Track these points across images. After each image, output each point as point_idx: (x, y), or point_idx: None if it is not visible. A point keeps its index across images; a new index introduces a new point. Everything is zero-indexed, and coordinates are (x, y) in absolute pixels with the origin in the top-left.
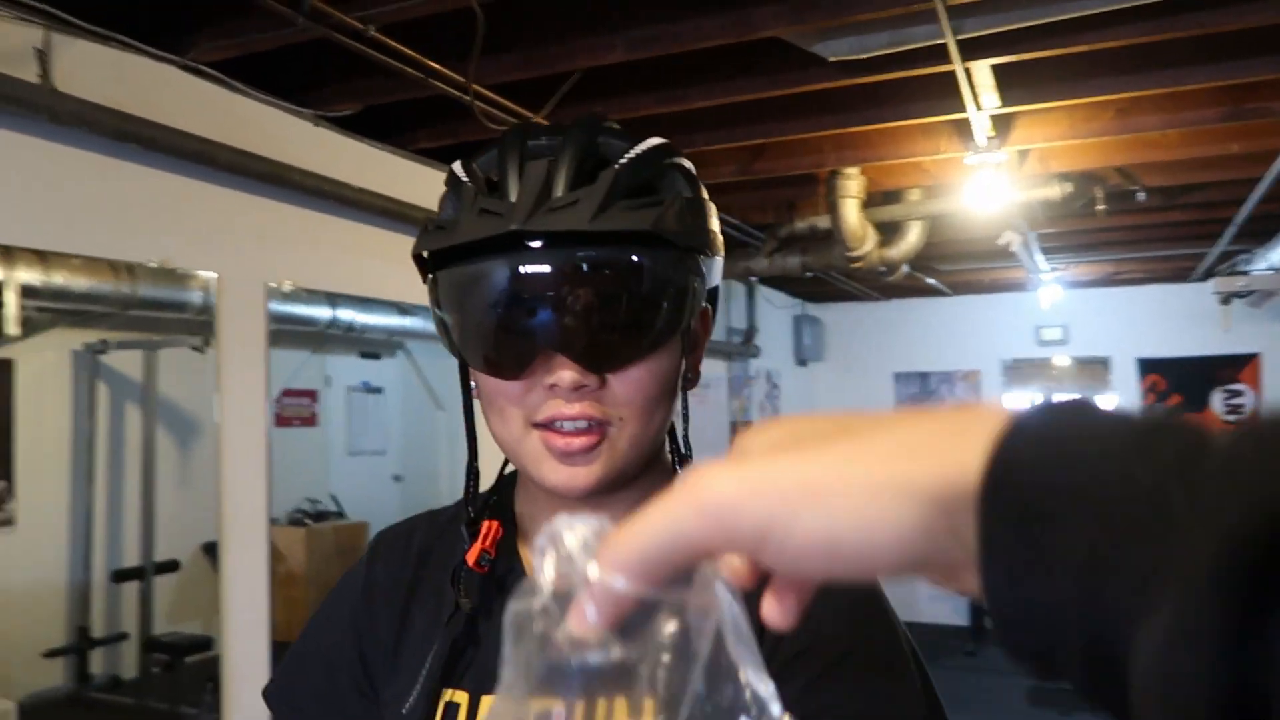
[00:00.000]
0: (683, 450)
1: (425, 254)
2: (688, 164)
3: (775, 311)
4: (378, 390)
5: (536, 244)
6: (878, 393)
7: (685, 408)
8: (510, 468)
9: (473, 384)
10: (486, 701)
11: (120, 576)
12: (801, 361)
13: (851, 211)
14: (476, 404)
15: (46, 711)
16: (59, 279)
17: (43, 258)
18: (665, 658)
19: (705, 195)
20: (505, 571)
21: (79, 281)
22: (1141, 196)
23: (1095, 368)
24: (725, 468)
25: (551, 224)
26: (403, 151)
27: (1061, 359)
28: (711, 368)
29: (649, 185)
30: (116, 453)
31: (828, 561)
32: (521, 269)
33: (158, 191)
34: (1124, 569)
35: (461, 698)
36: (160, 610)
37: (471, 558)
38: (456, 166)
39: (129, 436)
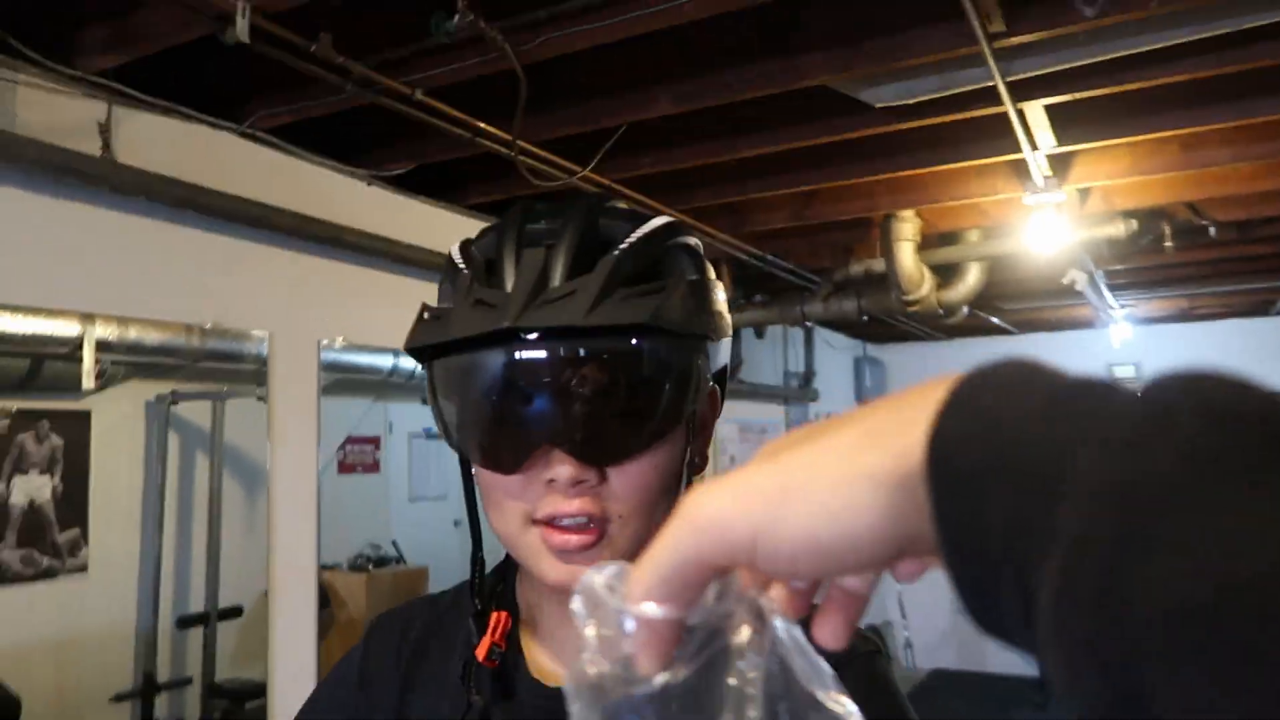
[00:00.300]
0: None
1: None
2: (694, 242)
3: (835, 353)
4: (439, 436)
5: (532, 336)
6: None
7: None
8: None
9: (474, 473)
10: None
11: (185, 623)
12: (862, 403)
13: (907, 255)
14: (479, 492)
15: None
16: (133, 334)
17: (118, 318)
18: (732, 681)
19: (712, 276)
20: (512, 668)
21: (151, 336)
22: (1212, 232)
23: None
24: (713, 485)
25: (545, 319)
26: (454, 207)
27: None
28: (768, 412)
29: (652, 270)
30: (185, 500)
31: (816, 558)
32: (517, 358)
33: (213, 254)
34: (1035, 531)
35: None
36: (224, 655)
37: (481, 653)
38: (454, 251)
39: (197, 484)
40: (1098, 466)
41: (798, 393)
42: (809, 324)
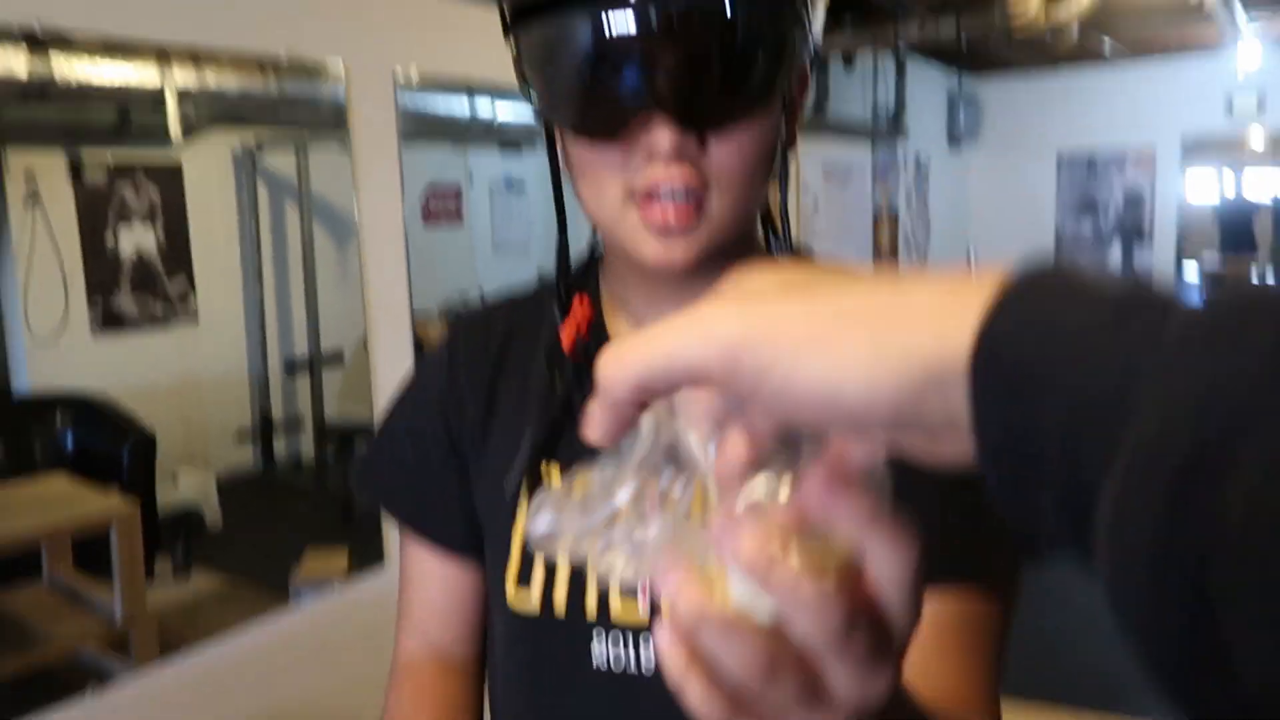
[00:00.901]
0: (779, 227)
1: (504, 6)
2: None
3: (927, 88)
4: (520, 184)
5: None
6: (1038, 177)
7: (784, 178)
8: (598, 246)
9: (562, 155)
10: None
11: (292, 367)
12: (954, 143)
13: None
14: (565, 179)
15: (241, 485)
16: (212, 80)
17: (195, 60)
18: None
19: None
20: (595, 350)
21: (229, 82)
22: None
23: None
24: (739, 304)
25: None
26: None
27: (1256, 132)
28: (853, 152)
29: None
30: (279, 252)
31: (825, 410)
32: (611, 16)
33: None
34: (1091, 442)
35: (553, 470)
36: (330, 397)
37: (566, 341)
38: None
39: (290, 236)
40: (1170, 376)
41: (886, 130)
42: (901, 45)
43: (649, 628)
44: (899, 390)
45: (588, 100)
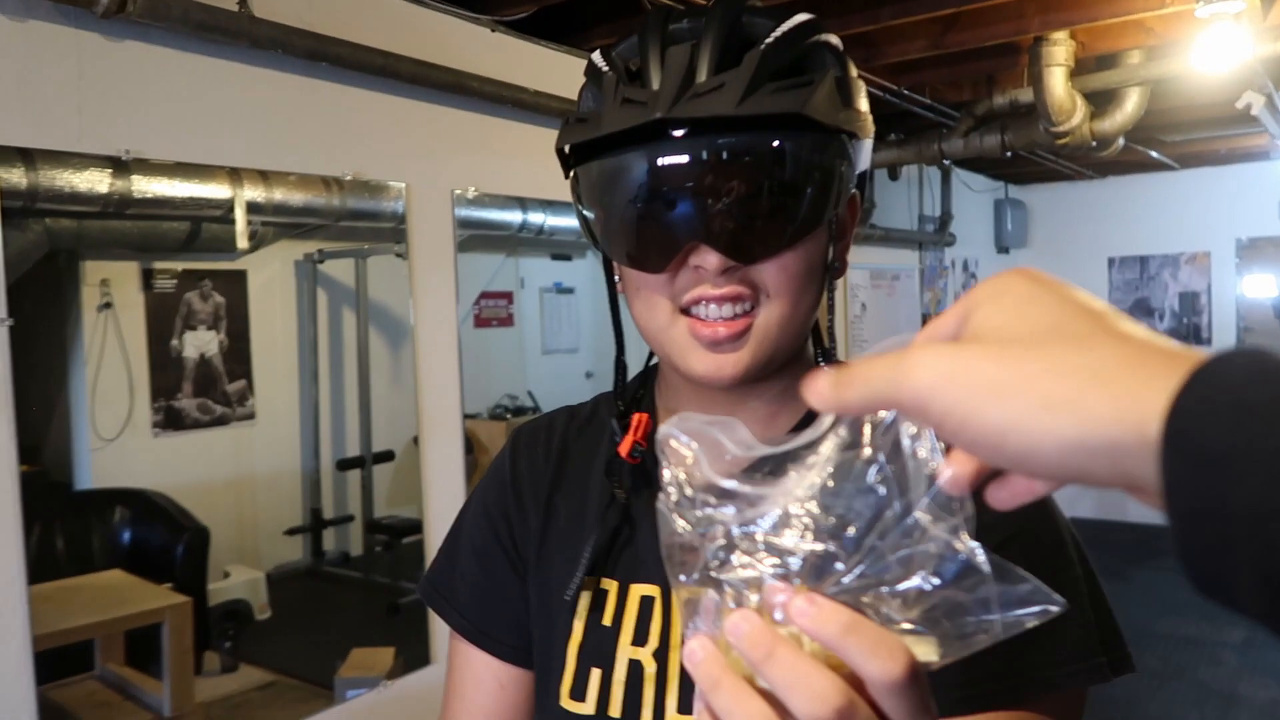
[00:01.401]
0: (827, 345)
1: (567, 149)
2: (835, 40)
3: (973, 196)
4: (569, 290)
5: (680, 132)
6: (1089, 281)
7: (831, 300)
8: (653, 360)
9: (617, 278)
10: (635, 589)
11: (344, 465)
12: (1003, 249)
13: (1058, 81)
14: (622, 300)
15: (289, 581)
16: (278, 195)
17: (264, 176)
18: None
19: (855, 73)
20: (652, 465)
21: (295, 197)
22: None
23: None
24: (936, 353)
25: (696, 110)
26: (578, 51)
27: None
28: (902, 257)
29: (796, 65)
30: (336, 354)
31: (996, 453)
32: (663, 160)
33: (349, 108)
34: None
35: (611, 585)
36: (379, 495)
37: (624, 449)
38: (596, 56)
39: (346, 338)
40: None
41: (933, 237)
42: (947, 162)
43: None
44: (1063, 451)
45: (637, 232)
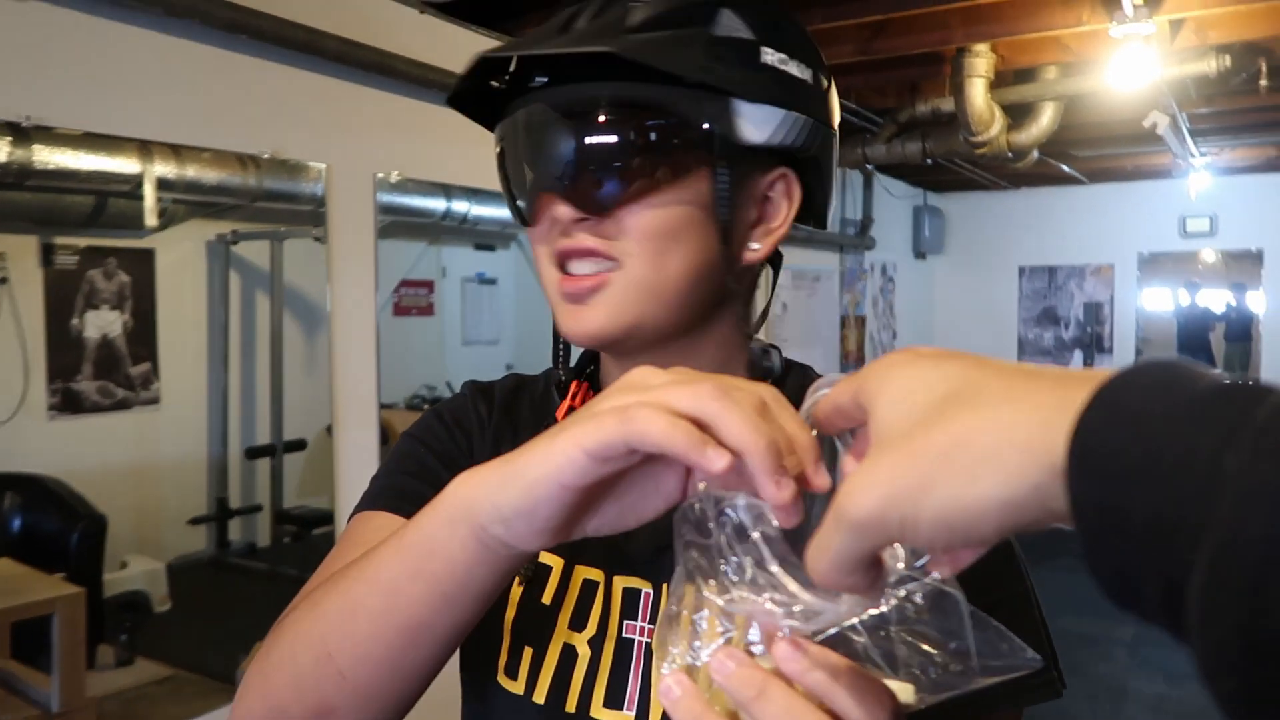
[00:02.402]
0: (747, 332)
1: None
2: (763, 7)
3: (894, 201)
4: (492, 281)
5: (541, 81)
6: (999, 288)
7: (750, 283)
8: None
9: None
10: (580, 571)
11: (253, 454)
12: (920, 254)
13: (978, 92)
14: None
15: (192, 572)
16: (191, 172)
17: (176, 151)
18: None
19: (768, 42)
20: None
21: (209, 174)
22: None
23: (1245, 262)
24: (863, 481)
25: (529, 48)
26: (509, 37)
27: (1207, 253)
28: (823, 260)
29: (689, 20)
30: (248, 338)
31: (951, 538)
32: (519, 108)
33: (270, 84)
34: (1183, 528)
35: (554, 562)
36: (290, 486)
37: (561, 414)
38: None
39: (259, 323)
40: (1247, 470)
41: (854, 240)
42: (869, 167)
43: None
44: (1000, 510)
45: (511, 185)
